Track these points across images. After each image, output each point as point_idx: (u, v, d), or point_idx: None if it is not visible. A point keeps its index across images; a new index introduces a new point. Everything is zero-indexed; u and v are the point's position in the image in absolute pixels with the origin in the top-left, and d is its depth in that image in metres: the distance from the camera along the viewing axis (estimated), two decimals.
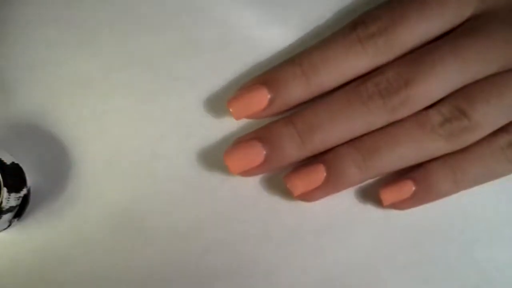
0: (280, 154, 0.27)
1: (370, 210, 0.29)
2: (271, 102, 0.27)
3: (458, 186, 0.27)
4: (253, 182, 0.29)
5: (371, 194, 0.29)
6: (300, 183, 0.27)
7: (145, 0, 0.29)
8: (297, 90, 0.27)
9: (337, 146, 0.27)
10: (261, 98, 0.27)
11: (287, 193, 0.28)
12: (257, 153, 0.27)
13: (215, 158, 0.29)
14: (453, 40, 0.26)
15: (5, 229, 0.27)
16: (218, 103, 0.29)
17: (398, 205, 0.27)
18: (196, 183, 0.29)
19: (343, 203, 0.29)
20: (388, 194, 0.27)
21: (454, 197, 0.28)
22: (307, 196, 0.27)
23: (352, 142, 0.27)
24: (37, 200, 0.28)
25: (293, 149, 0.27)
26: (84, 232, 0.28)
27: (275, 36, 0.29)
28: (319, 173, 0.27)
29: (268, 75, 0.28)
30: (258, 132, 0.28)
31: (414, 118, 0.27)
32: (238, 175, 0.28)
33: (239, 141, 0.28)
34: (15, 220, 0.28)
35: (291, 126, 0.27)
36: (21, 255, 0.28)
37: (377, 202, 0.28)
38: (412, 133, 0.26)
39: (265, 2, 0.29)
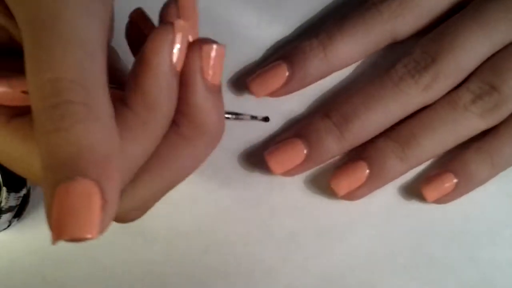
0: (320, 149, 0.27)
1: (370, 211, 0.28)
2: (290, 77, 0.27)
3: (496, 169, 0.27)
4: (253, 183, 0.29)
5: (371, 195, 0.28)
6: (345, 183, 0.27)
7: (145, 0, 0.29)
8: (315, 60, 0.27)
9: (376, 141, 0.27)
10: (280, 74, 0.27)
11: (287, 194, 0.28)
12: (298, 152, 0.27)
13: (215, 158, 0.29)
14: (474, 7, 0.26)
15: (5, 229, 0.27)
16: None
17: (442, 200, 0.27)
18: (196, 183, 0.29)
19: (343, 204, 0.29)
20: (432, 191, 0.27)
21: None
22: (352, 195, 0.27)
23: (389, 134, 0.27)
24: (37, 200, 0.28)
25: (333, 142, 0.27)
26: None
27: (275, 36, 0.29)
28: (361, 170, 0.27)
29: (286, 50, 0.28)
30: (296, 130, 0.28)
31: (445, 100, 0.26)
32: (281, 175, 0.27)
33: (278, 140, 0.28)
34: (15, 220, 0.28)
35: (327, 120, 0.27)
36: (21, 255, 0.28)
37: (377, 202, 0.28)
38: (445, 115, 0.26)
39: (265, 2, 0.29)
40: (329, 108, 0.27)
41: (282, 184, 0.29)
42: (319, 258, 0.28)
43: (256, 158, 0.29)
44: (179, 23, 0.19)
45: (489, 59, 0.26)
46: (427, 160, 0.27)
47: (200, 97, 0.19)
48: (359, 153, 0.27)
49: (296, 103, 0.29)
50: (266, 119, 0.24)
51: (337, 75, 0.29)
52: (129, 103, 0.18)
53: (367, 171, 0.27)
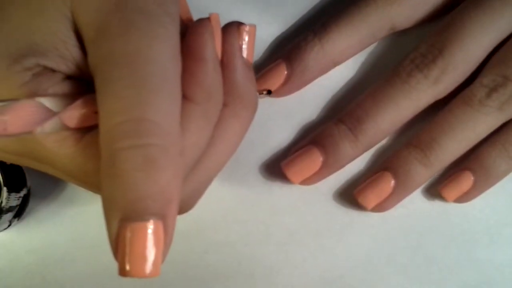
0: (337, 154, 0.27)
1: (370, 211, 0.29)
2: (289, 73, 0.27)
3: None
4: (253, 183, 0.29)
5: None
6: (372, 196, 0.27)
7: None
8: (312, 53, 0.27)
9: (398, 150, 0.27)
10: (279, 71, 0.27)
11: (287, 194, 0.28)
12: (314, 159, 0.27)
13: None
14: None
15: (5, 229, 0.27)
16: None
17: (463, 198, 0.27)
18: None
19: (343, 204, 0.29)
20: (450, 191, 0.27)
21: None
22: (381, 207, 0.27)
23: (409, 141, 0.27)
24: (37, 200, 0.28)
25: (348, 146, 0.27)
26: (83, 232, 0.28)
27: (275, 36, 0.29)
28: (387, 181, 0.27)
29: (285, 49, 0.28)
30: (311, 138, 0.28)
31: (459, 99, 0.26)
32: (300, 184, 0.27)
33: (295, 149, 0.28)
34: (15, 220, 0.28)
35: (341, 125, 0.27)
36: (21, 255, 0.28)
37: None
38: (462, 114, 0.26)
39: (265, 2, 0.29)
40: (341, 114, 0.27)
41: (282, 184, 0.29)
42: (319, 258, 0.28)
43: (256, 158, 0.29)
44: (213, 16, 0.20)
45: (497, 50, 0.26)
46: (450, 162, 0.27)
47: (242, 73, 0.21)
48: (383, 164, 0.27)
49: (302, 112, 0.29)
50: (269, 92, 0.26)
51: (347, 81, 0.29)
52: (189, 96, 0.19)
53: (393, 181, 0.27)
